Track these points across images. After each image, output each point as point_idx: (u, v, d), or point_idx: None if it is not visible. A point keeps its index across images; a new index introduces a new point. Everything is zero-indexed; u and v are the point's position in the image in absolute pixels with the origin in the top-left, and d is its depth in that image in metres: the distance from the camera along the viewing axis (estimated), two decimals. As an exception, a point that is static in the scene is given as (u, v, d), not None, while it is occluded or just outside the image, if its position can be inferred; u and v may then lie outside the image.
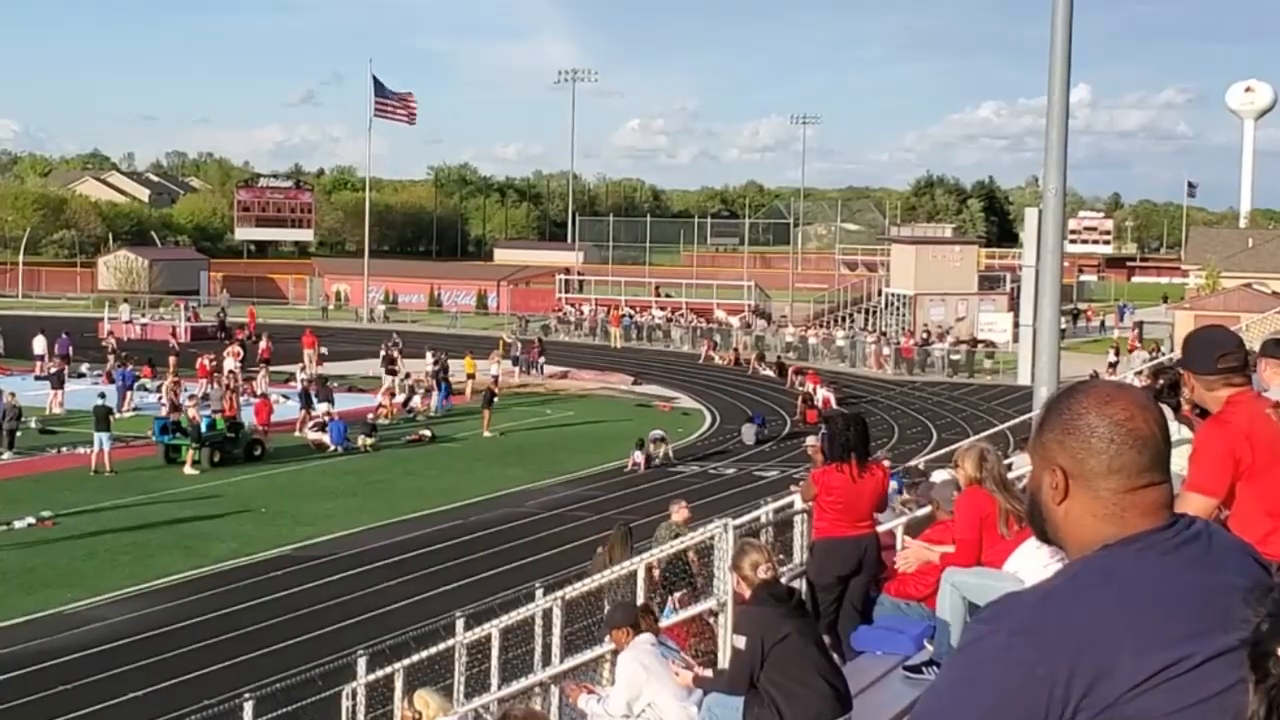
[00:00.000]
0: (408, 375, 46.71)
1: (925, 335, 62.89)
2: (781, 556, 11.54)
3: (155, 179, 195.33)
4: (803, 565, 11.03)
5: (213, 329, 67.47)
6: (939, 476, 11.71)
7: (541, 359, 55.56)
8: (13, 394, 37.47)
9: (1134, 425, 2.37)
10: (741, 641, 7.63)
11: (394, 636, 16.46)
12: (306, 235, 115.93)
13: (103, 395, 37.05)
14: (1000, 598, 2.32)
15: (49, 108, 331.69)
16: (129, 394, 44.12)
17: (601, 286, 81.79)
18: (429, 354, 49.97)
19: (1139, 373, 19.95)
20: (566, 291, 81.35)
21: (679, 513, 19.54)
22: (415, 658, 13.32)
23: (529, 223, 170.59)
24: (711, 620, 11.15)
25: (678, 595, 13.29)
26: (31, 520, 28.12)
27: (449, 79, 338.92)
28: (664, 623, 10.88)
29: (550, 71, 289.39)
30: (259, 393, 43.37)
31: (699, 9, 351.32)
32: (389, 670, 13.43)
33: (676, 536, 15.17)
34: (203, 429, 35.17)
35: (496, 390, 44.27)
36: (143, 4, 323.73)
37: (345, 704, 13.94)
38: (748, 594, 8.02)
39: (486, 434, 41.34)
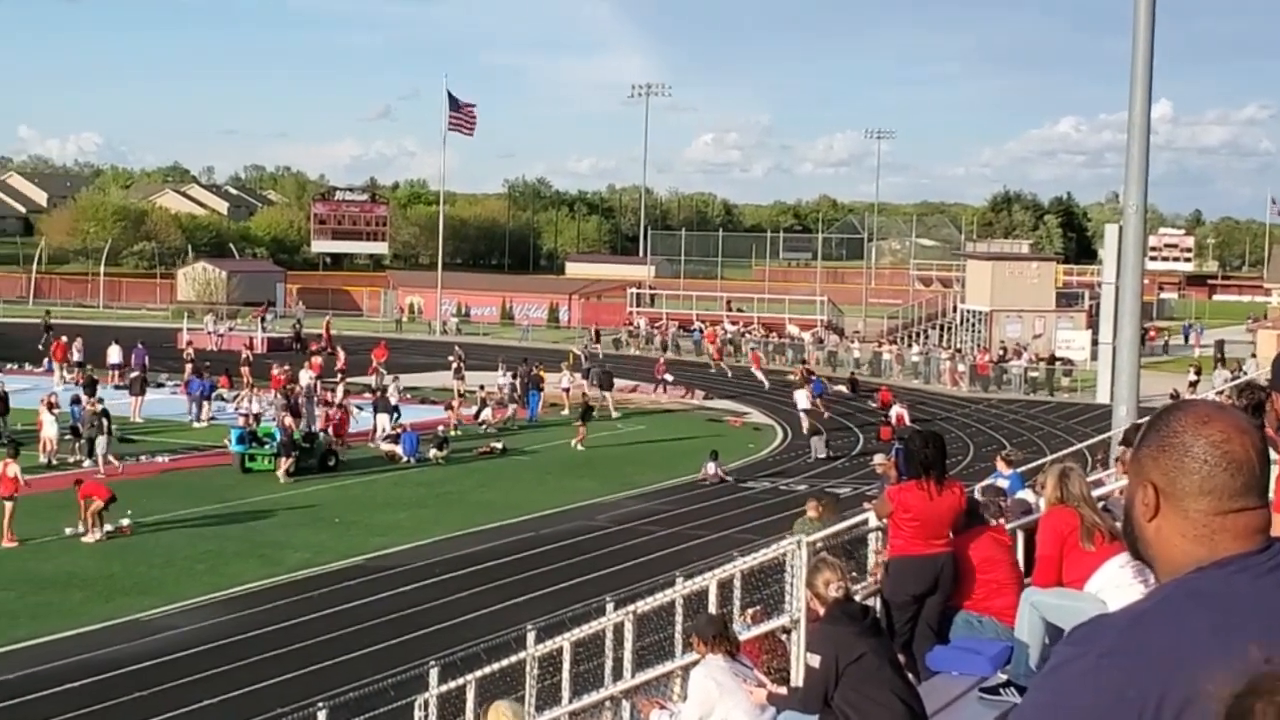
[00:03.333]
0: (481, 387, 46.84)
1: (1001, 352, 62.35)
2: (854, 574, 11.47)
3: (234, 192, 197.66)
4: (877, 583, 10.95)
5: (289, 340, 68.09)
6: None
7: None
8: (93, 402, 37.95)
9: (1230, 448, 2.32)
10: (815, 660, 7.56)
11: (465, 648, 16.51)
12: (381, 248, 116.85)
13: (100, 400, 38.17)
14: (1088, 620, 2.28)
15: (131, 121, 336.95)
16: (205, 404, 44.63)
17: (673, 301, 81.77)
18: (501, 366, 50.16)
19: (1220, 392, 19.67)
20: (638, 305, 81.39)
21: (813, 509, 19.88)
22: (487, 670, 13.34)
23: (601, 236, 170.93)
24: (784, 637, 11.09)
25: (750, 611, 13.25)
26: (110, 528, 28.46)
27: (523, 94, 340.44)
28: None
29: (624, 86, 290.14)
30: (336, 404, 43.68)
31: (773, 24, 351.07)
32: (461, 681, 13.46)
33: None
34: (294, 436, 35.55)
35: (592, 404, 43.72)
36: (225, 20, 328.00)
37: (418, 714, 13.99)
38: (821, 611, 7.96)
39: (580, 447, 41.02)
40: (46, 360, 54.27)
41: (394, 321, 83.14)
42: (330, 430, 38.70)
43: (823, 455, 40.62)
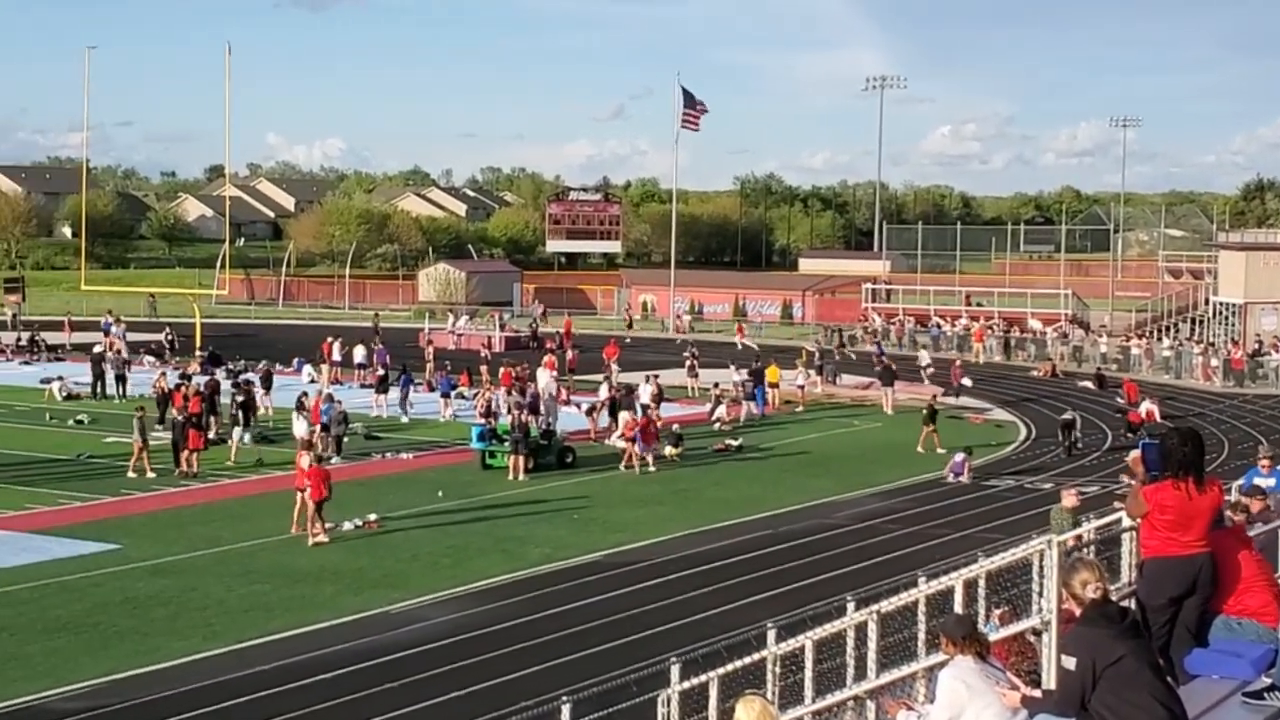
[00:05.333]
0: (716, 385, 46.89)
1: (1257, 345, 59.94)
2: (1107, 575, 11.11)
3: (471, 194, 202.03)
4: (1131, 584, 10.60)
5: (525, 339, 69.31)
6: None
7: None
8: (340, 401, 39.24)
9: None
10: (1071, 663, 7.36)
11: (706, 645, 16.50)
12: (614, 247, 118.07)
13: (235, 386, 41.02)
14: None
15: (374, 127, 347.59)
16: (447, 401, 45.71)
17: (910, 296, 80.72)
18: (732, 364, 50.24)
19: None
20: (873, 301, 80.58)
21: (1069, 498, 19.68)
22: (728, 667, 13.29)
23: (834, 232, 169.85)
24: (1034, 639, 10.80)
25: (998, 612, 12.95)
26: (358, 522, 29.33)
27: (754, 90, 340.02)
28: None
29: (857, 80, 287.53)
30: (568, 401, 44.30)
31: (1011, 13, 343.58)
32: (703, 679, 13.44)
33: (1076, 524, 14.81)
34: (531, 433, 36.13)
35: (935, 405, 42.71)
36: (461, 25, 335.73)
37: (660, 710, 14.01)
38: (1078, 613, 7.72)
39: (920, 450, 39.90)
40: (297, 360, 56.16)
41: (625, 320, 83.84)
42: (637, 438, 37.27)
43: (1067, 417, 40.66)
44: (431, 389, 48.23)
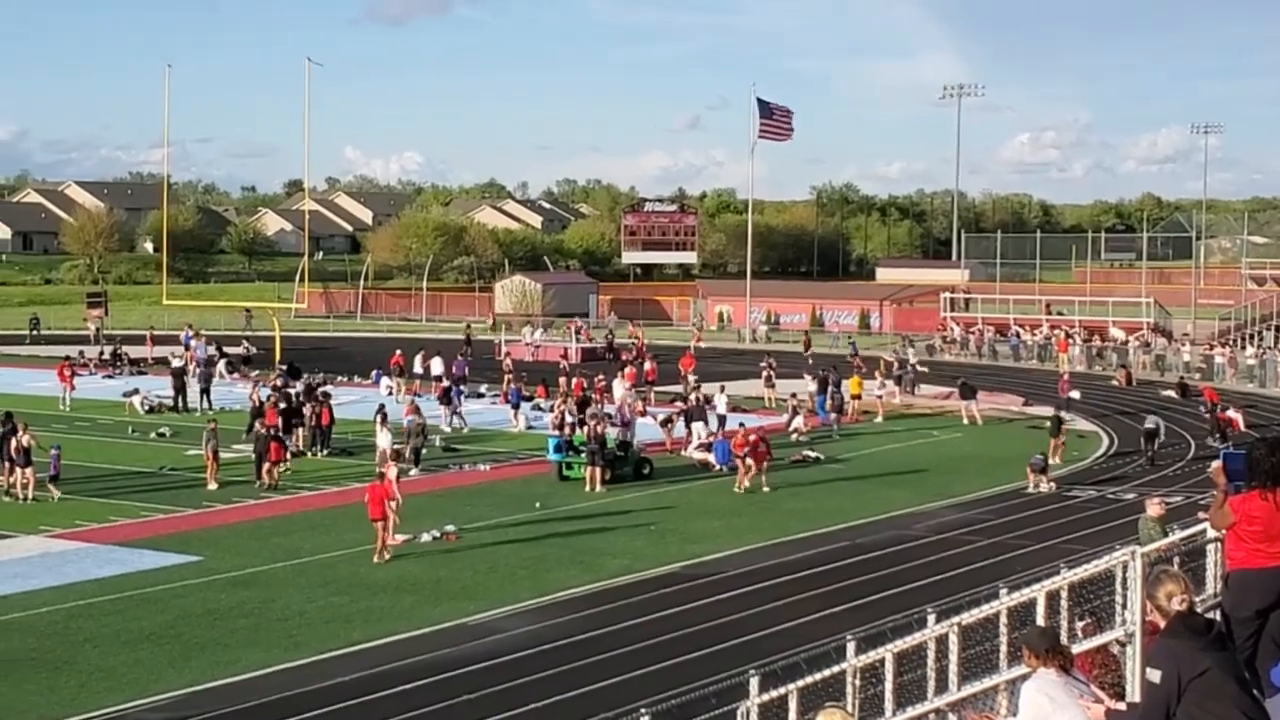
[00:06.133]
0: (793, 395, 46.73)
1: (1342, 353, 58.96)
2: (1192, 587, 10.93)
3: (547, 206, 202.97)
4: (1216, 596, 10.43)
5: (601, 350, 69.42)
6: None
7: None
8: (419, 411, 39.45)
9: None
10: (1156, 675, 7.23)
11: (784, 657, 16.39)
12: (690, 258, 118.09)
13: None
14: None
15: (450, 140, 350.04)
16: (517, 411, 45.91)
17: (989, 305, 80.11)
18: (809, 375, 50.05)
19: None
20: (951, 310, 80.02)
21: (1154, 508, 19.41)
22: (808, 679, 13.19)
23: (912, 241, 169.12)
24: (1118, 651, 10.64)
25: (1081, 624, 12.77)
26: (436, 534, 29.45)
27: (830, 99, 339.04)
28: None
29: (934, 88, 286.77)
30: (644, 412, 44.28)
31: (1089, 20, 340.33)
32: (783, 691, 13.36)
33: (1164, 534, 14.63)
34: (608, 444, 36.12)
35: (1064, 416, 42.45)
36: (539, 39, 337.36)
37: (739, 723, 13.95)
38: (1162, 625, 7.59)
39: (1054, 460, 39.07)
40: (375, 373, 56.61)
41: (693, 330, 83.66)
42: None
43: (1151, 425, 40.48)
44: (507, 400, 48.43)
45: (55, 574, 26.06)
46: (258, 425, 35.81)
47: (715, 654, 21.04)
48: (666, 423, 42.46)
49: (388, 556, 27.44)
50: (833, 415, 45.75)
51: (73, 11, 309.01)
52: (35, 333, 77.21)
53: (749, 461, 35.46)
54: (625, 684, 19.70)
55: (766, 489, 35.14)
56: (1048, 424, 41.75)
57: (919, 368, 57.54)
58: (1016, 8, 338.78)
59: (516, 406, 46.31)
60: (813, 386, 48.67)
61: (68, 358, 54.22)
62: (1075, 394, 51.63)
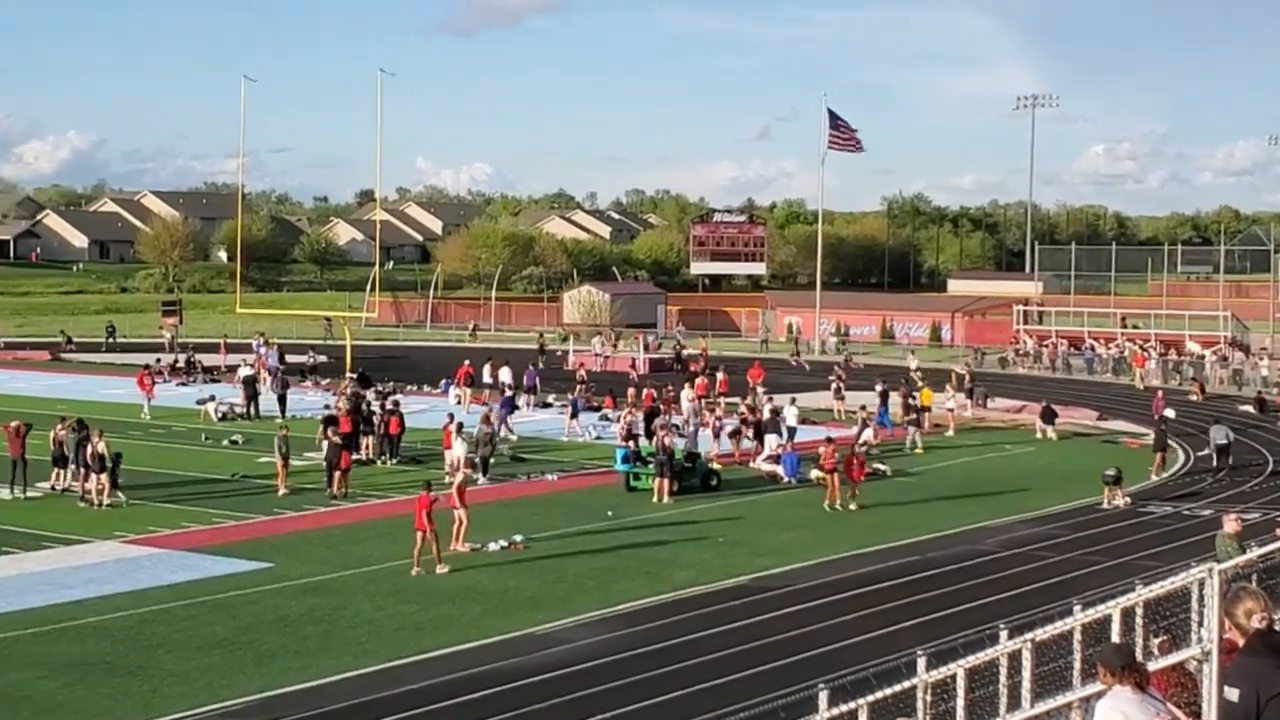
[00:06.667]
0: (863, 407, 46.46)
1: None
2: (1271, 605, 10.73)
3: (615, 216, 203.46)
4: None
5: (670, 361, 69.38)
6: None
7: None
8: (489, 419, 39.58)
9: None
10: (1234, 694, 7.11)
11: (853, 671, 16.25)
12: (759, 269, 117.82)
13: (327, 406, 43.43)
14: None
15: (520, 151, 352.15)
16: (575, 421, 46.23)
17: (1062, 317, 79.36)
18: (879, 387, 49.78)
19: None
20: (1025, 323, 79.33)
21: (1231, 524, 19.18)
22: (878, 694, 13.06)
23: (985, 253, 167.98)
24: (1194, 669, 10.46)
25: (1157, 641, 12.57)
26: (504, 543, 29.50)
27: (902, 110, 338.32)
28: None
29: (1007, 99, 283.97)
30: (714, 424, 44.14)
31: (1167, 31, 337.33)
32: (852, 705, 13.23)
33: (1242, 551, 14.42)
34: (675, 455, 36.04)
35: (1164, 429, 42.27)
36: (608, 50, 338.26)
37: (807, 738, 13.83)
38: (1241, 643, 7.46)
39: (1155, 476, 39.26)
40: (444, 382, 56.85)
41: (759, 341, 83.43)
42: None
43: (1222, 440, 40.36)
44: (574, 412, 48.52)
45: (129, 579, 26.33)
46: (330, 433, 36.00)
47: (783, 668, 20.90)
48: (735, 434, 42.32)
49: (421, 568, 27.15)
50: (911, 429, 45.31)
51: (150, 23, 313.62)
52: (111, 340, 78.31)
53: (838, 476, 34.60)
54: (693, 696, 19.60)
55: (854, 506, 34.39)
56: (1150, 442, 41.61)
57: (915, 377, 56.48)
58: (1093, 19, 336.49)
59: (575, 416, 46.45)
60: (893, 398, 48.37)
61: (148, 366, 54.82)
62: (1170, 412, 50.75)
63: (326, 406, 43.68)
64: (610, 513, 33.29)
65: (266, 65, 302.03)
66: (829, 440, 36.87)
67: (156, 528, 30.80)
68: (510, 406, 46.25)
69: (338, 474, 34.99)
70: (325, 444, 36.08)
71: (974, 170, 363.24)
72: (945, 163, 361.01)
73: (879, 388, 49.53)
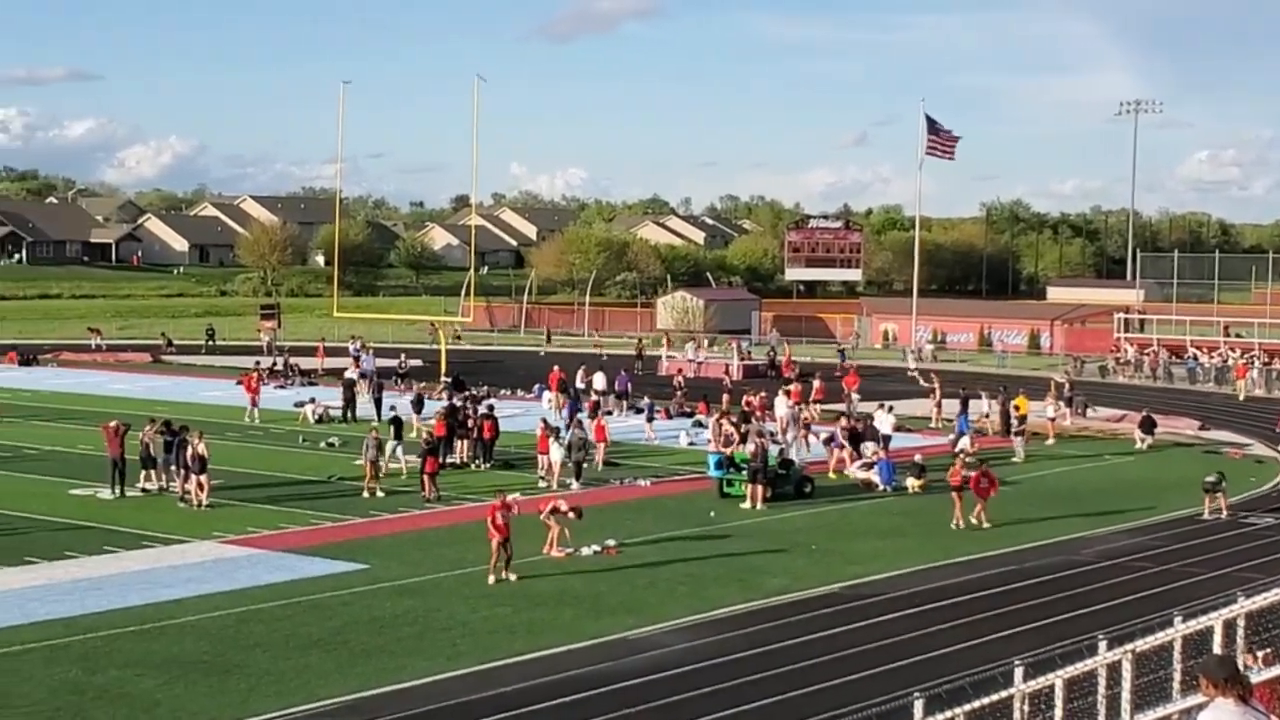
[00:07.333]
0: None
1: None
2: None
3: (710, 222, 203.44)
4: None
5: (763, 367, 69.16)
6: None
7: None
8: (580, 424, 39.67)
9: None
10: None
11: (948, 680, 16.08)
12: (855, 275, 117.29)
13: (393, 408, 44.71)
14: None
15: (614, 157, 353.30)
16: (650, 425, 46.73)
17: (1164, 326, 78.17)
18: (983, 395, 49.31)
19: None
20: (1125, 331, 78.23)
21: None
22: (974, 704, 12.90)
23: (1085, 260, 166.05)
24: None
25: (1261, 654, 12.35)
26: (597, 548, 29.52)
27: (1001, 115, 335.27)
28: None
29: (1108, 104, 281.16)
30: (808, 431, 43.94)
31: (1270, 37, 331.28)
32: (948, 715, 13.07)
33: None
34: (769, 462, 35.87)
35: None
36: (704, 56, 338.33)
37: (903, 747, 13.69)
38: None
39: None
40: (537, 387, 57.06)
41: (839, 350, 78.21)
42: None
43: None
44: (669, 416, 48.46)
45: (227, 579, 26.66)
46: (426, 436, 36.23)
47: (877, 676, 20.73)
48: (830, 441, 42.07)
49: (512, 577, 26.92)
50: (1015, 438, 44.75)
51: (251, 30, 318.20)
52: (211, 343, 79.56)
53: (965, 494, 33.28)
54: (786, 703, 19.50)
55: (987, 525, 33.00)
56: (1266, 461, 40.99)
57: (913, 372, 55.57)
58: (1198, 25, 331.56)
59: (651, 420, 46.55)
60: (984, 407, 47.88)
61: (254, 367, 55.56)
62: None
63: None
64: (712, 513, 33.32)
65: (364, 72, 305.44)
66: (959, 455, 37.22)
67: (255, 529, 31.17)
68: (575, 410, 46.08)
69: (425, 478, 35.23)
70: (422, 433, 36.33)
71: (1075, 176, 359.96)
72: (1045, 169, 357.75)
73: (961, 393, 48.96)
